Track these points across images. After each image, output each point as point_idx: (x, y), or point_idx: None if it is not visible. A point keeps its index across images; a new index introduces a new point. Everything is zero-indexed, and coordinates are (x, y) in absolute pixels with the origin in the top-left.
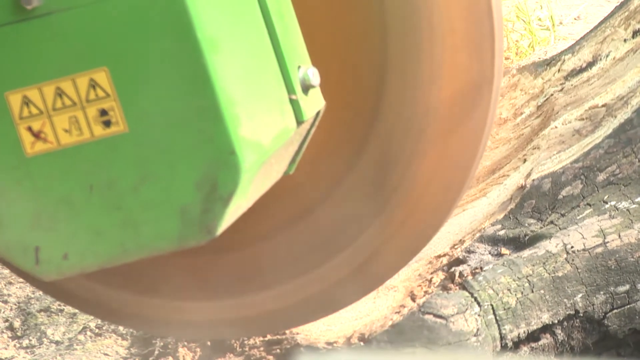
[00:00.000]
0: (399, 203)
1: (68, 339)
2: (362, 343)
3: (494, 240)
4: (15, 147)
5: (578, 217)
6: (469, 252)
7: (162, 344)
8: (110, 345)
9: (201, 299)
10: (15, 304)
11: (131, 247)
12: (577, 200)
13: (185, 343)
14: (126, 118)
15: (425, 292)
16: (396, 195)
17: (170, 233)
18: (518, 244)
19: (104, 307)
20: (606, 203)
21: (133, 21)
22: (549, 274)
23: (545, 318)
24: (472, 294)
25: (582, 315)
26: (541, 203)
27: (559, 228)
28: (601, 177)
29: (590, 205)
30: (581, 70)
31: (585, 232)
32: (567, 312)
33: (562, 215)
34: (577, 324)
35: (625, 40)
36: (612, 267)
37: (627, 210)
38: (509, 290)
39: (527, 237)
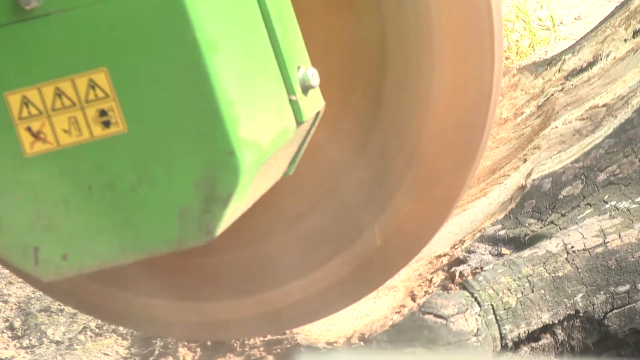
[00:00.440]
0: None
1: (68, 339)
2: (362, 343)
3: (494, 240)
4: (15, 147)
5: (578, 217)
6: (469, 252)
7: (162, 344)
8: (111, 345)
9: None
10: (16, 304)
11: (130, 248)
12: (578, 200)
13: (186, 343)
14: (125, 118)
15: (426, 292)
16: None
17: (169, 234)
18: (518, 243)
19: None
20: (606, 203)
21: (132, 22)
22: (549, 273)
23: (546, 318)
24: (472, 294)
25: (582, 315)
26: (541, 203)
27: (559, 228)
28: (601, 177)
29: (590, 205)
30: (582, 70)
31: (585, 232)
32: (568, 312)
33: (563, 215)
34: (577, 324)
35: (625, 40)
36: (613, 267)
37: (628, 210)
38: (509, 290)
39: (527, 237)
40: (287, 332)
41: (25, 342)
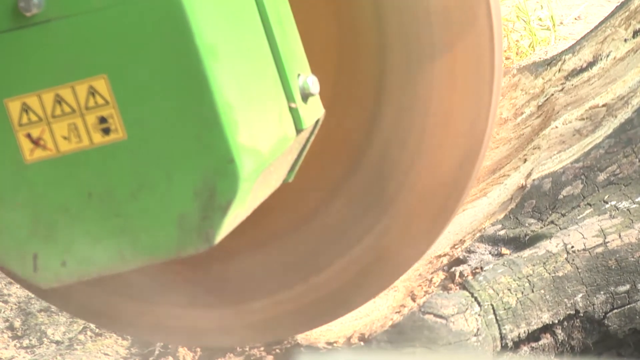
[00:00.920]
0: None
1: (68, 339)
2: (362, 343)
3: (494, 240)
4: (15, 153)
5: (578, 217)
6: (469, 252)
7: (162, 344)
8: (111, 345)
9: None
10: (16, 304)
11: (129, 255)
12: (578, 200)
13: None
14: (125, 125)
15: (426, 292)
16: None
17: (168, 241)
18: (518, 243)
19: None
20: (606, 203)
21: (132, 28)
22: (549, 273)
23: (546, 318)
24: (472, 294)
25: (582, 315)
26: (541, 203)
27: (560, 228)
28: (601, 177)
29: (590, 205)
30: (582, 70)
31: (585, 232)
32: (568, 312)
33: (563, 215)
34: (577, 324)
35: (625, 40)
36: (613, 267)
37: (628, 210)
38: (509, 290)
39: (527, 237)
40: None
41: (26, 342)
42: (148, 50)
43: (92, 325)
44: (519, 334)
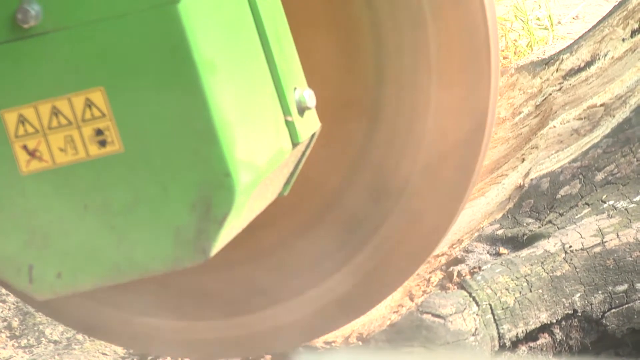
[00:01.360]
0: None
1: (66, 339)
2: (360, 342)
3: (492, 240)
4: (11, 165)
5: (576, 217)
6: (467, 251)
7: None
8: (109, 345)
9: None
10: (14, 303)
11: (125, 267)
12: (576, 200)
13: None
14: (122, 138)
15: (424, 291)
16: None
17: (164, 254)
18: (516, 243)
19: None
20: (604, 202)
21: (130, 42)
22: (547, 273)
23: (544, 317)
24: (470, 294)
25: (580, 314)
26: (539, 202)
27: (557, 227)
28: (599, 176)
29: (588, 205)
30: (579, 69)
31: (583, 232)
32: (566, 312)
33: (561, 214)
34: (575, 324)
35: (623, 40)
36: (611, 266)
37: (626, 209)
38: (507, 289)
39: (525, 237)
40: None
41: (24, 341)
42: (145, 64)
43: None
44: (517, 334)
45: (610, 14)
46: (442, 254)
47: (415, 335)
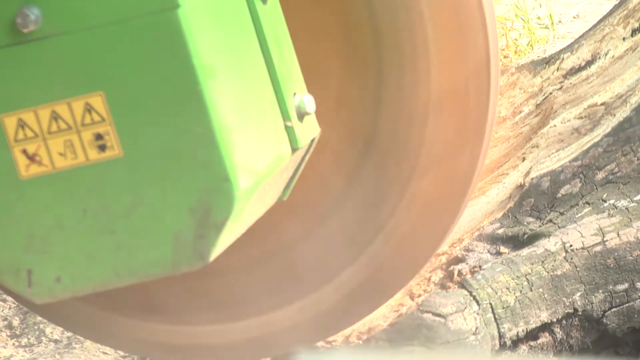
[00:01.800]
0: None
1: (67, 338)
2: (360, 342)
3: (492, 239)
4: (10, 169)
5: (577, 216)
6: (468, 250)
7: None
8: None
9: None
10: (14, 302)
11: (124, 272)
12: (576, 199)
13: None
14: (121, 143)
15: (424, 290)
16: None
17: (163, 258)
18: (517, 242)
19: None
20: (605, 201)
21: (129, 46)
22: (548, 272)
23: (544, 317)
24: (470, 293)
25: (580, 313)
26: (540, 202)
27: (558, 227)
28: (600, 175)
29: (589, 204)
30: (580, 68)
31: (584, 231)
32: (566, 311)
33: (561, 213)
34: (575, 323)
35: (624, 39)
36: (611, 265)
37: (626, 208)
38: (507, 288)
39: (525, 236)
40: None
41: (24, 340)
42: (145, 69)
43: None
44: (518, 333)
45: (610, 13)
46: (443, 253)
47: (416, 334)
